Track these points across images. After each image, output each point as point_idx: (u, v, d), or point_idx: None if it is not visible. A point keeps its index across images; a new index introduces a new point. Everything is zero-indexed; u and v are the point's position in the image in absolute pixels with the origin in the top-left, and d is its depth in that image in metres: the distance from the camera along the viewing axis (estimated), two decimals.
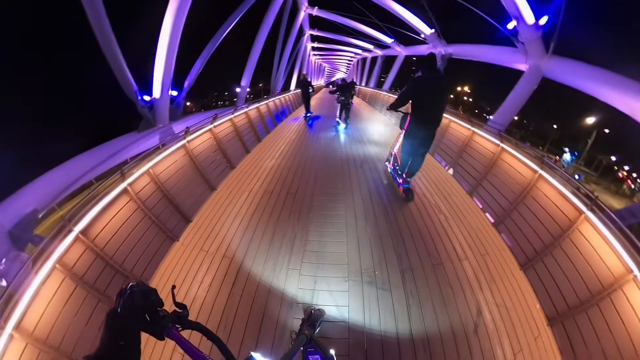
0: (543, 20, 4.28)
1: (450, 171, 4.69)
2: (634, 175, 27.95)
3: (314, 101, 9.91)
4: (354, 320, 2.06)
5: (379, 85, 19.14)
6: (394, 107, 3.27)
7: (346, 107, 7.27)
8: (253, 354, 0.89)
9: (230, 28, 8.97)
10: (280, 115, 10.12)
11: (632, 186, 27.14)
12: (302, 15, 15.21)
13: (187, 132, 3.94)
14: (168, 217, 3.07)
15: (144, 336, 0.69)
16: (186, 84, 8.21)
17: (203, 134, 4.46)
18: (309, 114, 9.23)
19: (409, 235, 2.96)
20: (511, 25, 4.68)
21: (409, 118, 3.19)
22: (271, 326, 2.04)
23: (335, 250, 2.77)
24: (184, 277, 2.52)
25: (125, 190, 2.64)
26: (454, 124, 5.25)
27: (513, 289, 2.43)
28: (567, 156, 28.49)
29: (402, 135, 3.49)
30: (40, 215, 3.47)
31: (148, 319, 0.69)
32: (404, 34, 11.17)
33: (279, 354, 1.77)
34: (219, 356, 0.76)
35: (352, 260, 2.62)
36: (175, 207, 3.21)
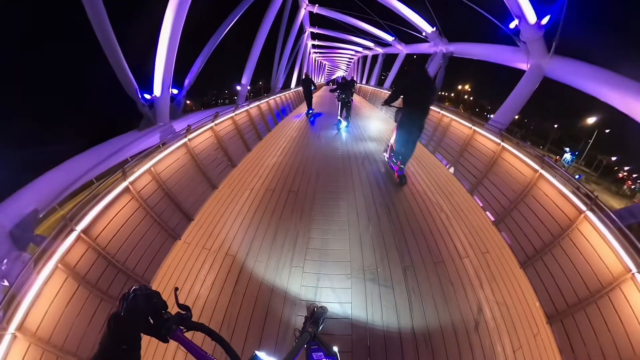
0: (545, 20, 4.27)
1: (451, 170, 4.71)
2: (634, 175, 27.98)
3: (315, 99, 10.01)
4: (357, 317, 2.08)
5: (380, 83, 19.08)
6: (387, 102, 3.78)
7: (347, 106, 7.26)
8: (257, 353, 0.89)
9: (230, 26, 8.93)
10: (281, 113, 10.12)
11: (633, 186, 27.16)
12: (302, 12, 15.13)
13: (189, 130, 3.95)
14: (170, 215, 3.07)
15: (147, 337, 0.69)
16: (187, 82, 8.18)
17: (204, 132, 4.47)
18: (310, 111, 9.41)
19: (411, 233, 2.99)
20: (513, 24, 4.67)
21: (401, 115, 3.69)
22: (274, 324, 2.05)
23: (337, 247, 2.79)
24: (187, 275, 2.53)
25: (126, 189, 2.64)
26: (455, 123, 5.25)
27: (513, 287, 2.46)
28: (567, 156, 28.51)
29: (395, 128, 4.01)
30: (41, 215, 3.46)
31: (152, 322, 0.69)
32: (405, 32, 11.12)
33: (282, 351, 1.81)
34: (223, 356, 0.76)
35: (355, 258, 2.64)
36: (177, 206, 3.22)
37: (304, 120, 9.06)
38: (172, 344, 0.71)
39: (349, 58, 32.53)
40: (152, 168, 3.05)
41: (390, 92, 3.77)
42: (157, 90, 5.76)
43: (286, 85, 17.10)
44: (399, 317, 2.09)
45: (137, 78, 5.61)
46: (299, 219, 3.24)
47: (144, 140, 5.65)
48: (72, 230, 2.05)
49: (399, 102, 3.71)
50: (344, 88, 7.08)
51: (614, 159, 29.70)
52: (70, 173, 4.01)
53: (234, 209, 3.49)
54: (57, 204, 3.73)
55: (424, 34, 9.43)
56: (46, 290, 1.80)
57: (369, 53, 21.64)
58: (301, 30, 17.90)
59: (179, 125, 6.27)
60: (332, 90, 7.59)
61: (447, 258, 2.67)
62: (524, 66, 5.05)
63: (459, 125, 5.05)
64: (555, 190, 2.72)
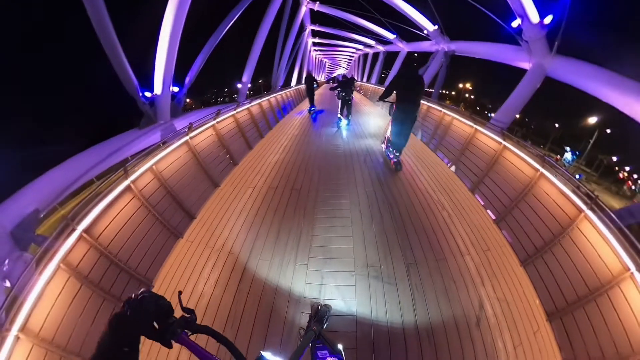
0: (548, 19, 4.27)
1: (453, 168, 4.73)
2: (635, 176, 27.91)
3: (316, 97, 10.13)
4: (361, 314, 2.11)
5: (381, 81, 19.02)
6: (381, 97, 4.24)
7: (347, 103, 7.25)
8: (263, 353, 0.90)
9: (231, 23, 8.89)
10: (282, 111, 10.12)
11: (633, 187, 27.10)
12: (303, 10, 15.04)
13: (190, 128, 3.95)
14: (172, 214, 3.07)
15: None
16: (187, 79, 8.15)
17: (206, 130, 4.47)
18: (313, 108, 9.60)
19: (413, 231, 3.02)
20: (515, 23, 4.66)
21: (394, 108, 4.11)
22: (279, 322, 2.07)
23: (341, 245, 2.81)
24: (190, 273, 2.53)
25: (128, 188, 2.63)
26: (456, 122, 5.26)
27: (514, 284, 2.49)
28: (568, 155, 28.47)
29: (390, 121, 4.46)
30: (42, 215, 3.44)
31: (156, 326, 0.68)
32: (407, 30, 11.08)
33: (287, 349, 1.83)
34: (229, 357, 0.77)
35: (358, 255, 2.67)
36: (179, 204, 3.22)
37: (306, 118, 9.07)
38: (176, 346, 0.71)
39: (350, 56, 32.39)
40: (153, 166, 3.04)
41: (385, 89, 4.17)
42: (157, 88, 5.74)
43: (286, 84, 17.04)
44: (402, 314, 2.12)
45: (137, 76, 5.60)
46: (302, 217, 3.26)
47: (145, 139, 5.63)
48: (73, 229, 2.04)
49: (392, 97, 4.16)
50: (345, 86, 7.06)
51: (614, 159, 29.66)
52: (71, 172, 3.99)
53: (237, 207, 3.50)
54: (57, 204, 3.73)
55: (425, 32, 9.39)
56: (48, 291, 1.80)
57: (370, 51, 21.54)
58: (302, 27, 17.82)
59: (179, 124, 6.26)
60: (332, 88, 7.57)
61: (449, 255, 2.70)
62: (526, 65, 5.05)
63: (461, 124, 5.06)
64: (555, 190, 2.74)
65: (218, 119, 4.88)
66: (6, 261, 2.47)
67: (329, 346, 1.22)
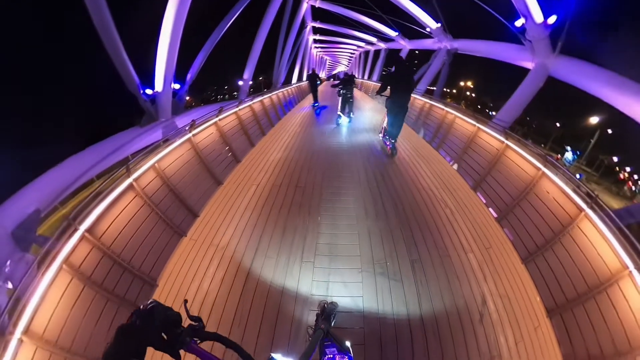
0: (552, 20, 4.26)
1: (455, 166, 4.76)
2: (635, 177, 27.86)
3: (319, 94, 10.34)
4: (369, 310, 2.15)
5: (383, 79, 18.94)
6: (379, 92, 4.72)
7: (349, 101, 7.24)
8: (273, 355, 0.91)
9: (233, 20, 8.84)
10: (283, 108, 10.12)
11: (633, 188, 27.05)
12: (304, 6, 14.93)
13: (193, 125, 3.94)
14: (175, 212, 3.06)
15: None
16: (189, 76, 8.13)
17: (208, 128, 4.46)
18: (316, 104, 9.95)
19: (417, 228, 3.06)
20: (519, 22, 4.66)
21: (389, 100, 4.64)
22: (287, 320, 2.09)
23: (347, 242, 2.85)
24: (194, 272, 2.53)
25: (130, 186, 2.61)
26: (459, 120, 5.28)
27: (515, 281, 2.54)
28: (569, 155, 28.47)
29: (386, 113, 4.99)
30: (42, 215, 3.42)
31: (165, 337, 0.68)
32: (409, 28, 11.03)
33: (296, 348, 1.86)
34: None
35: (364, 252, 2.71)
36: (182, 202, 3.21)
37: (307, 115, 9.08)
38: (182, 354, 0.70)
39: (351, 53, 32.19)
40: (156, 164, 3.02)
41: (380, 84, 4.74)
42: (158, 85, 5.73)
43: (287, 81, 16.96)
44: (408, 309, 2.17)
45: (138, 72, 5.57)
46: (307, 214, 3.28)
47: (146, 137, 5.62)
48: (75, 229, 2.02)
49: (387, 92, 4.65)
50: (346, 83, 7.05)
51: (615, 159, 29.62)
52: (71, 171, 3.97)
53: (241, 205, 3.51)
54: (58, 203, 3.72)
55: (428, 29, 9.35)
56: (51, 292, 1.78)
57: (371, 48, 21.43)
58: (303, 24, 17.69)
59: (181, 121, 6.27)
60: (334, 86, 7.56)
61: (452, 252, 2.75)
62: (528, 65, 5.05)
63: (463, 123, 5.08)
64: (556, 189, 2.78)
65: (220, 116, 4.88)
66: (8, 262, 2.46)
67: (337, 343, 1.24)
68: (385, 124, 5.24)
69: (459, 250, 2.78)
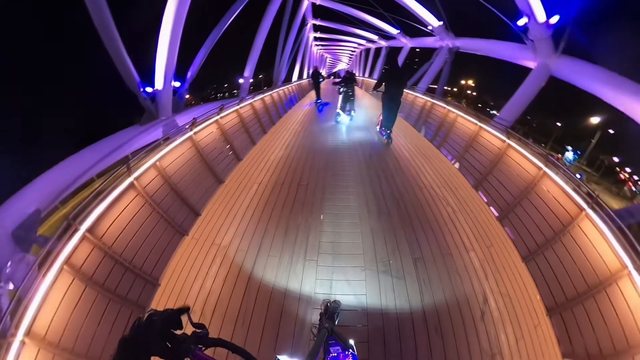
0: (554, 19, 4.25)
1: (457, 165, 4.77)
2: (635, 177, 27.81)
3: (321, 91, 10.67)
4: (372, 308, 2.18)
5: None
6: (375, 88, 5.21)
7: (350, 100, 7.22)
8: (279, 357, 0.91)
9: (233, 17, 8.78)
10: (284, 106, 10.11)
11: (633, 188, 27.01)
12: (305, 4, 14.83)
13: (194, 123, 3.94)
14: (176, 211, 3.06)
15: None
16: (189, 74, 8.09)
17: (209, 126, 4.45)
18: (319, 100, 10.30)
19: (420, 226, 3.07)
20: (522, 22, 4.64)
21: (383, 96, 5.16)
22: (291, 319, 2.10)
23: (350, 240, 2.86)
24: (197, 272, 2.53)
25: (131, 185, 2.60)
26: (461, 119, 5.28)
27: (515, 279, 2.57)
28: (569, 155, 28.42)
29: (382, 107, 5.45)
30: (43, 215, 3.41)
31: (169, 345, 0.67)
32: (410, 25, 10.98)
33: (300, 347, 1.87)
34: None
35: (367, 250, 2.72)
36: (184, 201, 3.20)
37: (308, 113, 9.09)
38: None
39: (352, 51, 32.03)
40: (157, 163, 3.02)
41: (376, 81, 5.21)
42: (158, 83, 5.69)
43: (288, 79, 16.90)
44: (411, 307, 2.19)
45: (138, 70, 5.54)
46: (309, 213, 3.29)
47: (146, 135, 5.59)
48: (76, 229, 2.01)
49: (382, 88, 5.15)
50: (347, 81, 7.03)
51: (616, 160, 29.57)
52: (71, 171, 3.95)
53: (242, 204, 3.51)
54: (59, 202, 3.70)
55: (430, 27, 9.30)
56: (53, 293, 1.78)
57: (372, 46, 21.33)
58: (303, 22, 17.58)
59: (181, 119, 6.24)
60: (335, 84, 7.54)
61: (454, 250, 2.77)
62: (530, 64, 5.05)
63: (465, 122, 5.09)
64: (557, 188, 2.79)
65: (221, 114, 4.87)
66: (8, 263, 2.43)
67: (341, 342, 1.26)
68: (380, 117, 5.78)
69: (461, 248, 2.80)
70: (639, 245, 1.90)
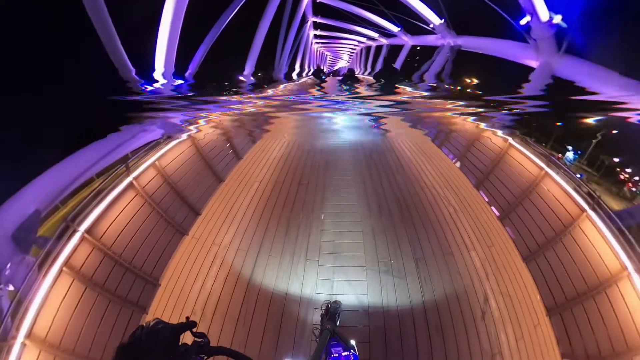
0: (557, 19, 4.21)
1: (458, 164, 4.75)
2: (636, 178, 27.93)
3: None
4: (374, 308, 2.18)
5: None
6: (370, 84, 5.80)
7: None
8: None
9: (234, 13, 8.69)
10: (284, 104, 10.09)
11: (634, 189, 27.13)
12: (305, 1, 14.69)
13: (193, 122, 3.91)
14: (176, 210, 3.03)
15: None
16: (188, 72, 8.01)
17: (209, 124, 4.42)
18: None
19: (421, 226, 3.06)
20: (524, 20, 4.60)
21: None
22: (292, 319, 2.11)
23: (351, 240, 2.85)
24: (197, 271, 2.52)
25: (130, 185, 2.58)
26: (462, 118, 5.25)
27: (516, 279, 2.57)
28: (570, 154, 28.48)
29: None
30: (43, 215, 3.41)
31: (171, 357, 0.67)
32: (411, 23, 10.91)
33: (301, 347, 1.87)
34: None
35: (369, 250, 2.71)
36: (184, 200, 3.17)
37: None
38: None
39: (352, 48, 31.86)
40: (156, 162, 2.99)
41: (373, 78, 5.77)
42: (158, 80, 5.62)
43: (287, 77, 16.79)
44: (412, 307, 2.20)
45: (136, 67, 5.46)
46: (310, 212, 3.28)
47: (146, 134, 5.54)
48: (75, 231, 2.01)
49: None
50: (349, 80, 6.99)
51: (616, 160, 29.64)
52: (71, 170, 3.92)
53: (243, 203, 3.49)
54: (60, 202, 3.68)
55: (431, 25, 9.23)
56: (53, 295, 1.78)
57: (373, 44, 21.19)
58: (304, 20, 17.41)
59: (181, 117, 6.18)
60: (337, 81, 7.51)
61: (455, 250, 2.77)
62: (533, 63, 5.01)
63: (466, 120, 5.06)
64: (559, 189, 2.78)
65: (222, 112, 4.83)
66: (8, 265, 2.47)
67: (342, 342, 1.27)
68: None
69: (462, 248, 2.80)
70: (639, 247, 1.90)
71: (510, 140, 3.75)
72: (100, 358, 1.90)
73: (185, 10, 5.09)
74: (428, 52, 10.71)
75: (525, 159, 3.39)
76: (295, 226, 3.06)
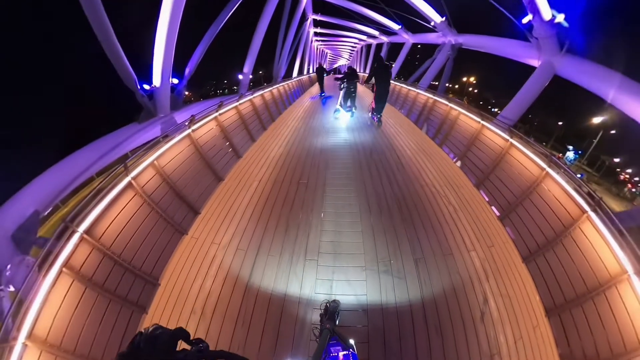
0: (560, 18, 4.17)
1: (458, 164, 4.73)
2: (636, 178, 27.78)
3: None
4: (372, 308, 2.18)
5: None
6: (366, 81, 6.69)
7: (351, 96, 7.16)
8: None
9: (232, 12, 8.63)
10: (284, 102, 10.03)
11: (634, 189, 26.97)
12: None
13: (193, 120, 3.89)
14: (176, 210, 3.04)
15: None
16: (187, 71, 7.98)
17: (208, 123, 4.41)
18: (323, 94, 11.20)
19: (421, 226, 3.05)
20: (526, 19, 4.56)
21: (375, 87, 6.44)
22: (291, 319, 2.10)
23: (351, 240, 2.85)
24: (197, 271, 2.53)
25: (129, 185, 2.59)
26: (463, 117, 5.23)
27: (515, 280, 2.57)
28: (570, 154, 28.35)
29: (374, 96, 6.73)
30: (43, 216, 3.39)
31: None
32: (413, 21, 10.82)
33: (300, 347, 1.87)
34: None
35: (368, 250, 2.71)
36: (183, 200, 3.18)
37: (309, 109, 9.03)
38: None
39: (352, 46, 31.67)
40: (155, 161, 2.98)
41: (367, 75, 6.23)
42: (156, 80, 5.58)
43: (288, 75, 16.73)
44: (411, 307, 2.19)
45: (135, 67, 5.44)
46: (310, 211, 3.27)
47: (145, 133, 5.52)
48: (74, 231, 2.02)
49: (372, 81, 6.35)
50: (350, 78, 6.95)
51: (617, 160, 29.47)
52: (70, 170, 3.89)
53: (242, 202, 3.49)
54: (60, 202, 3.66)
55: (432, 23, 9.16)
56: (53, 295, 1.79)
57: (374, 42, 21.08)
58: (303, 17, 17.32)
59: (180, 117, 6.17)
60: (337, 79, 7.46)
61: (455, 250, 2.76)
62: (534, 63, 4.98)
63: (468, 120, 5.04)
64: (560, 189, 2.77)
65: (220, 111, 4.82)
66: (8, 266, 2.44)
67: (341, 342, 1.27)
68: (373, 104, 6.93)
69: (462, 248, 2.79)
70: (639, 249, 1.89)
71: (512, 139, 3.73)
72: (101, 358, 1.90)
73: (183, 6, 5.06)
74: (429, 50, 10.64)
75: (526, 158, 3.37)
76: (294, 225, 3.05)
